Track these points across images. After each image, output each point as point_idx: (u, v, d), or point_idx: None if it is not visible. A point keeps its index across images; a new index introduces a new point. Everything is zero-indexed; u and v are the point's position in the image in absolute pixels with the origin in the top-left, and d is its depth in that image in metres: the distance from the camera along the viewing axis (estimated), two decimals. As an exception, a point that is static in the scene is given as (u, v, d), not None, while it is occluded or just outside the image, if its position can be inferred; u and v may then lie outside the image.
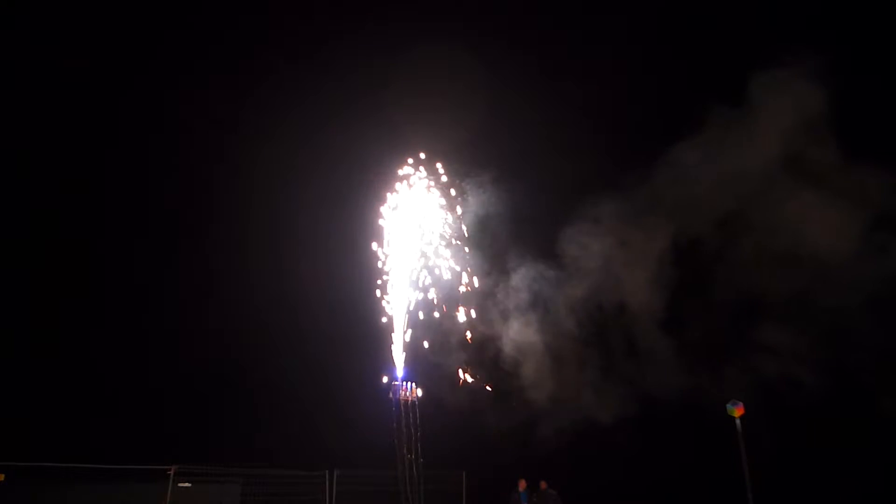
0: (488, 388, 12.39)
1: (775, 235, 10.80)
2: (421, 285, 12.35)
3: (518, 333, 12.69)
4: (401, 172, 12.73)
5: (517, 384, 12.39)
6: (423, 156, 12.76)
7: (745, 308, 11.38)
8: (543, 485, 10.93)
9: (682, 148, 11.56)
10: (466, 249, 12.74)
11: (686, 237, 11.91)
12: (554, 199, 13.31)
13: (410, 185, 12.73)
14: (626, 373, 12.05)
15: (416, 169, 12.78)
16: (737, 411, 9.48)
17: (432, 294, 12.39)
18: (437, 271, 12.50)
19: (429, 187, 12.79)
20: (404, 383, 11.61)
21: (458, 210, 12.76)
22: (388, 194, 12.62)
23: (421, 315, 12.20)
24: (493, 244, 12.84)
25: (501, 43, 15.67)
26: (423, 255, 12.54)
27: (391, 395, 11.51)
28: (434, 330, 12.27)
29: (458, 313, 12.48)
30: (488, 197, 12.63)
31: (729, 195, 11.23)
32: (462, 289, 12.57)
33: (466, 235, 12.78)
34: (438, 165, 12.75)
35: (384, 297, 12.17)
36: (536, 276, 12.81)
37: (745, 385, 10.40)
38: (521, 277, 12.84)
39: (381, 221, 12.45)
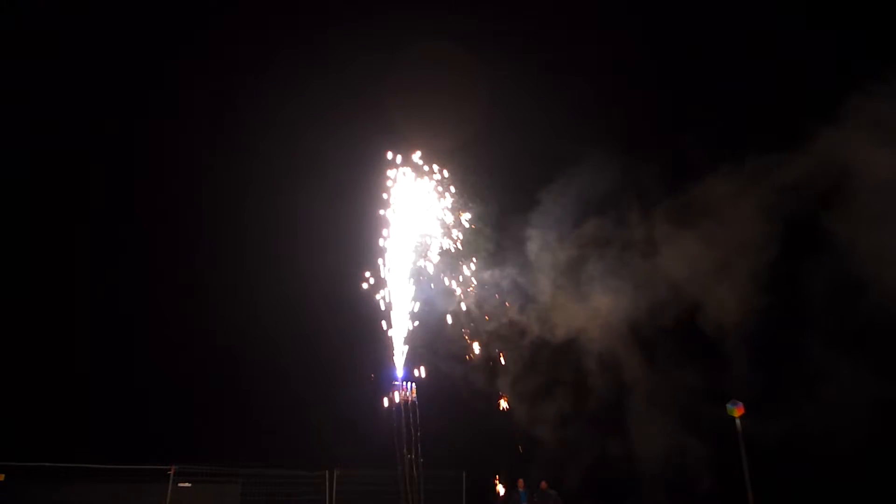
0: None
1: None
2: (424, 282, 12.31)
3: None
4: (399, 169, 12.74)
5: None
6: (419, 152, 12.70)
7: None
8: (544, 485, 10.96)
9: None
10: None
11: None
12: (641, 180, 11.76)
13: (414, 176, 12.68)
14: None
15: (424, 163, 12.72)
16: (737, 411, 9.47)
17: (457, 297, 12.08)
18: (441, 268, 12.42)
19: (435, 181, 12.75)
20: (404, 383, 11.62)
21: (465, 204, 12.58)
22: (388, 190, 12.63)
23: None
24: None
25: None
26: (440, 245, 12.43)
27: (391, 394, 11.51)
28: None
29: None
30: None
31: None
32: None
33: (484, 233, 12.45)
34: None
35: (384, 296, 12.18)
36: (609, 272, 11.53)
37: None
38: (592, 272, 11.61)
39: (380, 218, 12.47)
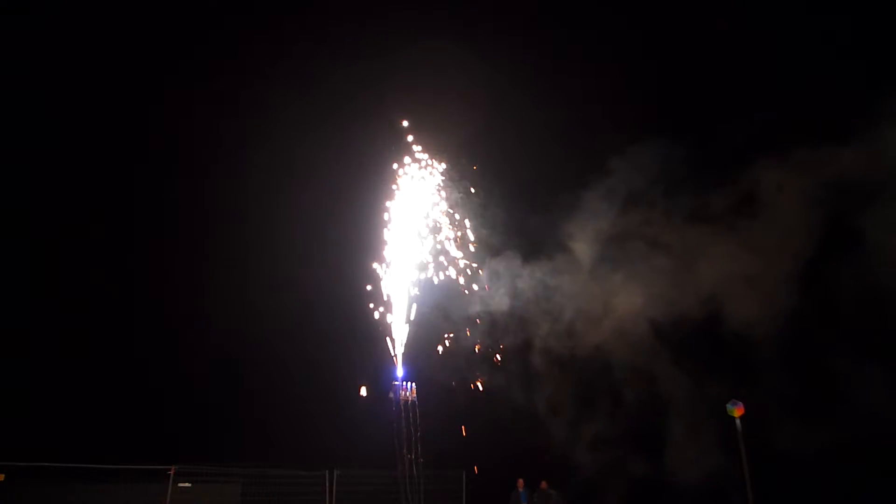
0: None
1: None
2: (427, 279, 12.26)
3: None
4: (400, 168, 12.74)
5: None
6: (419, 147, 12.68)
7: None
8: (544, 484, 10.95)
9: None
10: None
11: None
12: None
13: (412, 175, 12.66)
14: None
15: (422, 162, 12.68)
16: (737, 411, 9.45)
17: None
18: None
19: (436, 182, 12.72)
20: (404, 383, 11.61)
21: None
22: (389, 190, 12.62)
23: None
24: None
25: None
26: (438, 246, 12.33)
27: (391, 395, 11.51)
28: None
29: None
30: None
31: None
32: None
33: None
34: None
35: (385, 296, 12.17)
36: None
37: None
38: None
39: (381, 218, 12.45)
